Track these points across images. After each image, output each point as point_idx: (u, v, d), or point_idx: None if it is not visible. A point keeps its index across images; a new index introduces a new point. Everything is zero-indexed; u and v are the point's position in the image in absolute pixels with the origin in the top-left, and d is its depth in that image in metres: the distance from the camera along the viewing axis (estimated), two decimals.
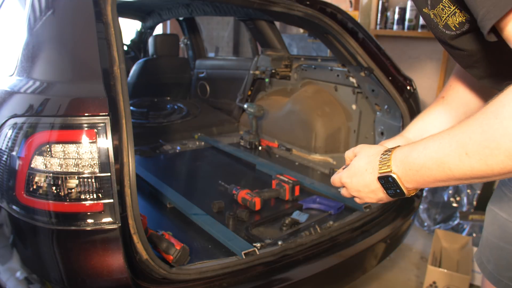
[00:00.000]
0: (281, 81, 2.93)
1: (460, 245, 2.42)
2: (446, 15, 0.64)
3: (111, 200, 1.06)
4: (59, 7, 1.24)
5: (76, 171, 1.04)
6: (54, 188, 1.04)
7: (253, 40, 3.28)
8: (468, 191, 2.74)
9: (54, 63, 1.20)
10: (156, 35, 3.56)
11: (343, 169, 0.88)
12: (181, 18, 3.71)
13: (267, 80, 2.92)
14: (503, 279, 0.90)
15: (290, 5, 1.88)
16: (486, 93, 0.92)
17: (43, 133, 1.05)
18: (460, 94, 0.94)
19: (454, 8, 0.62)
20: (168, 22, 6.27)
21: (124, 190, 1.07)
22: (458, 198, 2.79)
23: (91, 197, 1.05)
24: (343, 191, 0.85)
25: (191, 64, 3.78)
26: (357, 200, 0.84)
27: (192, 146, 2.73)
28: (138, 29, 4.08)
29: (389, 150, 0.72)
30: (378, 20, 3.64)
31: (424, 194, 2.83)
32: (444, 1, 0.63)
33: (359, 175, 0.78)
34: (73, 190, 1.04)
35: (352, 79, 2.29)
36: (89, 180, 1.04)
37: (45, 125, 1.06)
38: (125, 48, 4.06)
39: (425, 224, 2.88)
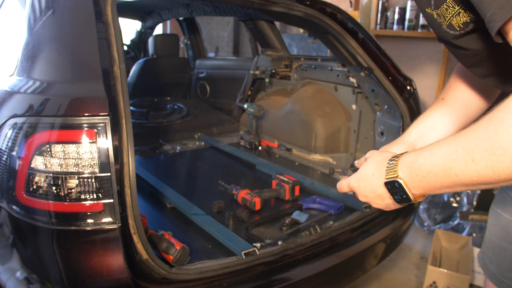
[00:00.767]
0: (281, 81, 2.93)
1: (460, 245, 2.42)
2: (450, 15, 0.64)
3: (111, 200, 1.06)
4: (59, 7, 1.24)
5: (76, 171, 1.04)
6: (54, 188, 1.04)
7: (253, 40, 3.28)
8: (468, 191, 2.74)
9: (54, 63, 1.20)
10: (156, 35, 3.56)
11: (348, 174, 0.89)
12: (181, 18, 3.71)
13: (267, 80, 2.92)
14: (505, 280, 0.90)
15: (290, 5, 1.88)
16: (487, 94, 0.92)
17: (43, 133, 1.05)
18: (460, 95, 0.94)
19: (458, 8, 0.62)
20: (168, 22, 6.27)
21: (124, 190, 1.07)
22: (458, 198, 2.79)
23: (91, 197, 1.05)
24: (356, 195, 0.86)
25: (191, 64, 3.78)
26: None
27: (192, 146, 2.73)
28: (138, 29, 4.08)
29: (397, 156, 0.72)
30: (378, 20, 3.65)
31: None
32: (448, 1, 0.63)
33: (367, 179, 0.78)
34: (73, 190, 1.04)
35: (352, 79, 2.29)
36: (89, 180, 1.04)
37: (45, 125, 1.06)
38: (125, 48, 4.06)
39: (425, 224, 2.88)
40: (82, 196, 1.05)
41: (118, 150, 1.06)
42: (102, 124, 1.04)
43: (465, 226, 2.65)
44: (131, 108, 3.04)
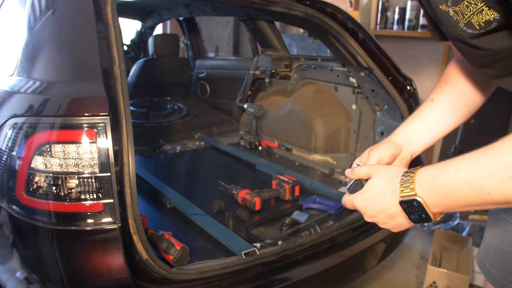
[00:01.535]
0: (281, 81, 2.93)
1: (460, 245, 2.42)
2: (471, 12, 0.60)
3: (111, 200, 1.06)
4: (59, 7, 1.24)
5: (76, 171, 1.04)
6: (54, 188, 1.04)
7: (253, 40, 3.28)
8: None
9: (54, 63, 1.20)
10: (156, 35, 3.57)
11: (348, 184, 0.83)
12: (181, 18, 3.71)
13: (267, 80, 2.92)
14: (507, 284, 0.89)
15: (290, 5, 1.88)
16: (477, 97, 0.91)
17: (43, 133, 1.05)
18: (450, 96, 0.92)
19: (481, 5, 0.59)
20: (168, 22, 6.27)
21: (124, 190, 1.07)
22: None
23: (91, 197, 1.05)
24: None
25: (191, 64, 3.78)
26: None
27: (192, 146, 2.73)
28: (138, 29, 4.08)
29: (411, 171, 0.67)
30: (378, 20, 3.64)
31: None
32: None
33: (376, 199, 0.71)
34: (73, 190, 1.04)
35: (352, 79, 2.29)
36: (89, 180, 1.04)
37: (45, 125, 1.06)
38: (125, 48, 4.06)
39: (425, 224, 2.88)
40: (82, 196, 1.05)
41: (118, 150, 1.06)
42: (102, 124, 1.04)
43: (465, 226, 2.65)
44: (131, 108, 3.04)
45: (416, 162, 1.98)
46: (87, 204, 1.05)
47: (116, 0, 1.21)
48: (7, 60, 1.36)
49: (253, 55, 3.28)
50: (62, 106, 1.06)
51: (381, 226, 0.75)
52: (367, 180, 0.76)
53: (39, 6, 1.28)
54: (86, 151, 1.04)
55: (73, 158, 1.04)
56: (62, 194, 1.04)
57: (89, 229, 1.05)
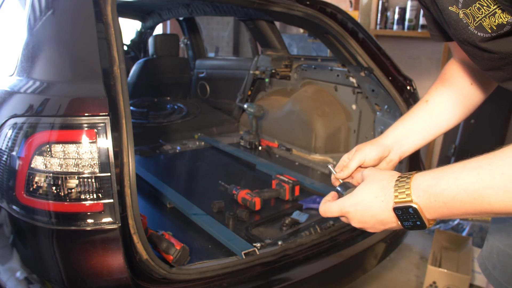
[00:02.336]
0: (281, 81, 2.93)
1: (460, 245, 2.42)
2: (483, 15, 0.57)
3: (111, 200, 1.06)
4: (59, 7, 1.24)
5: (76, 171, 1.04)
6: (54, 188, 1.04)
7: (253, 40, 3.28)
8: None
9: (54, 63, 1.20)
10: (156, 35, 3.57)
11: (339, 193, 0.79)
12: (181, 18, 3.71)
13: (267, 80, 2.92)
14: (510, 287, 0.88)
15: (290, 5, 1.88)
16: (471, 102, 0.89)
17: (43, 133, 1.05)
18: (445, 98, 0.89)
19: (494, 7, 0.56)
20: (168, 22, 6.27)
21: (124, 190, 1.07)
22: None
23: (91, 197, 1.05)
24: (343, 219, 0.74)
25: (191, 64, 3.78)
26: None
27: (192, 146, 2.73)
28: (138, 29, 4.08)
29: (406, 176, 0.64)
30: (378, 20, 3.64)
31: None
32: (483, 0, 0.57)
33: (367, 203, 0.67)
34: (73, 190, 1.04)
35: (352, 79, 2.29)
36: (89, 180, 1.04)
37: (45, 125, 1.06)
38: (125, 48, 4.06)
39: None
40: (82, 196, 1.05)
41: (118, 150, 1.06)
42: (102, 124, 1.04)
43: (465, 226, 2.65)
44: (131, 108, 3.04)
45: (416, 162, 1.98)
46: (87, 204, 1.05)
47: (116, 0, 1.21)
48: (7, 60, 1.36)
49: (253, 55, 3.28)
50: (62, 106, 1.06)
51: (370, 231, 0.71)
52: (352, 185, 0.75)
53: (39, 6, 1.28)
54: (86, 151, 1.04)
55: (73, 158, 1.04)
56: (62, 194, 1.04)
57: (89, 229, 1.05)
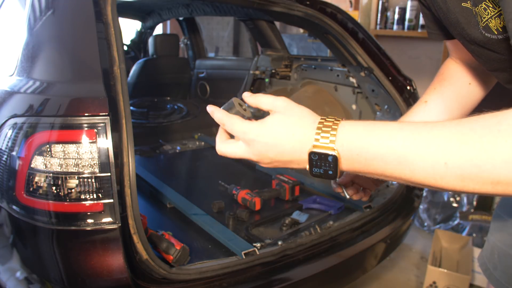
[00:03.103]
0: (281, 81, 2.92)
1: (460, 245, 2.42)
2: (489, 16, 0.55)
3: (111, 200, 1.06)
4: (59, 7, 1.24)
5: (76, 171, 1.04)
6: (54, 188, 1.04)
7: (253, 40, 3.28)
8: None
9: (54, 63, 1.20)
10: (156, 35, 3.56)
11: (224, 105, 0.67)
12: (181, 18, 3.71)
13: (267, 80, 2.92)
14: None
15: (290, 5, 1.88)
16: (471, 98, 0.88)
17: (43, 133, 1.05)
18: (444, 98, 0.87)
19: (500, 8, 0.53)
20: (168, 22, 6.27)
21: (124, 190, 1.07)
22: (458, 198, 2.79)
23: (91, 197, 1.05)
24: (229, 149, 0.64)
25: (191, 64, 3.78)
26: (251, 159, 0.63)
27: (192, 146, 2.73)
28: (138, 29, 4.08)
29: (333, 120, 0.57)
30: (378, 20, 3.64)
31: (424, 194, 2.83)
32: (487, 1, 0.54)
33: (280, 138, 0.58)
34: (73, 190, 1.04)
35: (352, 79, 2.29)
36: (89, 180, 1.04)
37: (45, 125, 1.06)
38: (125, 48, 4.06)
39: (425, 224, 2.88)
40: (82, 196, 1.05)
41: (118, 150, 1.06)
42: (102, 124, 1.04)
43: (465, 226, 2.65)
44: (131, 108, 3.04)
45: None
46: (87, 204, 1.05)
47: (116, 0, 1.21)
48: (7, 60, 1.36)
49: (253, 55, 3.28)
50: (62, 106, 1.06)
51: (262, 165, 0.63)
52: (258, 111, 0.64)
53: (39, 6, 1.28)
54: (86, 151, 1.04)
55: (73, 158, 1.04)
56: (62, 194, 1.04)
57: (89, 229, 1.05)
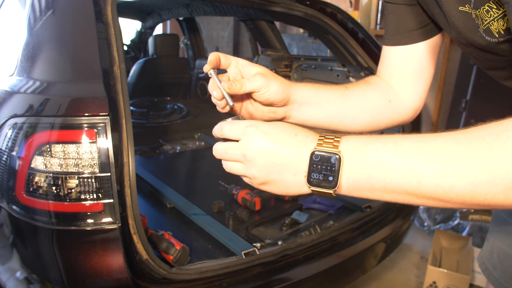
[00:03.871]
0: None
1: (460, 245, 2.42)
2: (491, 18, 0.54)
3: (111, 200, 1.06)
4: (59, 7, 1.24)
5: (76, 171, 1.04)
6: (54, 188, 1.04)
7: (253, 40, 3.28)
8: None
9: (54, 63, 1.20)
10: (156, 35, 3.57)
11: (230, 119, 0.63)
12: (181, 18, 3.71)
13: None
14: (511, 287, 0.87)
15: (290, 5, 1.88)
16: (387, 117, 0.85)
17: (43, 133, 1.05)
18: (362, 96, 0.82)
19: (504, 10, 0.52)
20: (168, 22, 6.27)
21: (124, 190, 1.07)
22: None
23: (91, 197, 1.05)
24: (228, 160, 0.60)
25: (191, 64, 3.78)
26: (240, 174, 0.60)
27: (192, 146, 2.73)
28: (138, 29, 4.08)
29: (335, 135, 0.55)
30: (378, 20, 3.65)
31: None
32: (491, 2, 0.53)
33: (281, 136, 0.56)
34: (73, 190, 1.04)
35: (352, 79, 2.29)
36: (89, 180, 1.04)
37: (45, 125, 1.06)
38: (125, 48, 4.06)
39: (425, 224, 2.88)
40: (82, 196, 1.05)
41: (118, 150, 1.06)
42: (102, 124, 1.04)
43: (465, 226, 2.65)
44: (131, 108, 3.04)
45: None
46: (87, 204, 1.05)
47: (116, 0, 1.21)
48: (7, 60, 1.36)
49: (253, 55, 3.28)
50: (62, 106, 1.06)
51: (253, 178, 0.58)
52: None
53: (39, 6, 1.28)
54: (86, 151, 1.04)
55: (73, 158, 1.04)
56: (62, 194, 1.04)
57: (89, 229, 1.05)
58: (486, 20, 0.55)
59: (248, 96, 0.74)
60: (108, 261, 1.06)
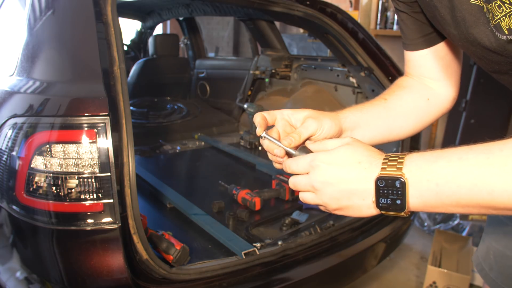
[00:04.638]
0: (281, 81, 2.93)
1: (460, 245, 2.42)
2: (503, 14, 0.53)
3: (111, 200, 1.06)
4: (59, 7, 1.24)
5: (76, 171, 1.04)
6: (54, 188, 1.04)
7: (253, 40, 3.28)
8: None
9: (54, 63, 1.20)
10: (156, 35, 3.57)
11: (297, 149, 0.65)
12: (181, 18, 3.72)
13: (267, 80, 2.93)
14: None
15: (290, 5, 1.88)
16: (430, 116, 0.85)
17: (43, 133, 1.05)
18: (403, 103, 0.83)
19: None
20: (168, 22, 6.27)
21: (124, 190, 1.07)
22: None
23: (91, 197, 1.05)
24: (300, 180, 0.62)
25: (191, 64, 3.78)
26: (313, 203, 0.62)
27: (192, 146, 2.73)
28: (138, 29, 4.08)
29: (399, 155, 0.56)
30: (378, 20, 3.64)
31: None
32: None
33: (345, 164, 0.57)
34: (73, 190, 1.04)
35: (352, 79, 2.29)
36: (89, 180, 1.04)
37: (45, 125, 1.06)
38: (125, 48, 4.06)
39: (425, 224, 2.88)
40: (82, 196, 1.05)
41: (118, 150, 1.06)
42: (102, 124, 1.04)
43: (465, 226, 2.65)
44: (131, 108, 3.04)
45: None
46: (87, 204, 1.05)
47: (116, 0, 1.21)
48: (7, 60, 1.36)
49: (253, 55, 3.28)
50: (62, 106, 1.06)
51: (326, 205, 0.60)
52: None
53: (39, 6, 1.28)
54: (86, 151, 1.04)
55: (73, 158, 1.04)
56: (62, 194, 1.04)
57: (89, 229, 1.05)
58: (497, 16, 0.54)
59: None
60: (108, 261, 1.06)
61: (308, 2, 1.97)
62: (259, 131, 0.71)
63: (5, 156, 1.12)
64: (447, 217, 2.80)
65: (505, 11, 0.52)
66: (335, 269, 1.51)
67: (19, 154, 1.08)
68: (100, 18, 1.15)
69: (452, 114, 3.11)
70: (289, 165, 0.64)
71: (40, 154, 1.05)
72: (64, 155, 1.04)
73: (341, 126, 0.75)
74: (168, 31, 6.38)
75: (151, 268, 1.13)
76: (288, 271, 1.40)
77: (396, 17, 3.49)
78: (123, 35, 1.20)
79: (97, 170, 1.04)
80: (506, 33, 0.54)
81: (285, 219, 1.64)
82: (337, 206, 0.59)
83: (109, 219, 1.06)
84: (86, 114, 1.04)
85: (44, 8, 1.27)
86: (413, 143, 1.98)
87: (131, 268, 1.09)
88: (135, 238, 1.09)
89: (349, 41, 1.98)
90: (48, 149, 1.04)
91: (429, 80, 0.85)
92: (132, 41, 4.13)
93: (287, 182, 1.88)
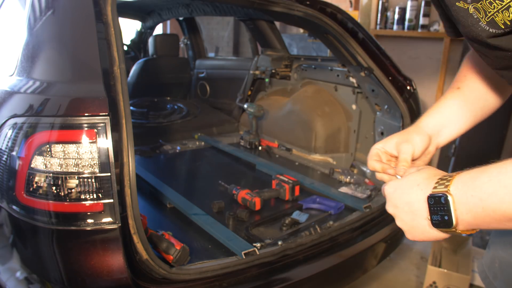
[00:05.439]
0: (281, 81, 2.93)
1: (460, 245, 2.42)
2: (495, 10, 0.54)
3: (111, 200, 1.06)
4: (59, 7, 1.24)
5: (76, 171, 1.04)
6: (54, 188, 1.04)
7: (253, 40, 3.28)
8: None
9: (54, 63, 1.20)
10: (156, 35, 3.57)
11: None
12: (181, 18, 3.72)
13: (267, 80, 2.93)
14: None
15: (290, 5, 1.88)
16: (503, 89, 0.86)
17: (43, 133, 1.05)
18: (477, 86, 0.85)
19: (508, 1, 0.53)
20: (168, 22, 6.27)
21: (124, 190, 1.07)
22: None
23: (91, 197, 1.05)
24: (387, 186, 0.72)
25: (191, 64, 3.78)
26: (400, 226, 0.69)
27: (192, 146, 2.73)
28: (138, 29, 4.08)
29: (452, 174, 0.60)
30: (378, 20, 3.65)
31: None
32: None
33: (407, 188, 0.65)
34: (73, 190, 1.04)
35: (352, 79, 2.29)
36: (89, 180, 1.04)
37: (45, 125, 1.06)
38: (125, 48, 4.06)
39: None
40: (82, 196, 1.05)
41: (118, 150, 1.06)
42: (102, 124, 1.04)
43: None
44: (131, 108, 3.04)
45: None
46: (87, 204, 1.05)
47: (116, 0, 1.21)
48: (7, 60, 1.36)
49: (253, 55, 3.28)
50: (62, 106, 1.06)
51: (398, 223, 0.68)
52: None
53: (39, 6, 1.28)
54: (86, 151, 1.04)
55: (73, 158, 1.04)
56: (62, 194, 1.04)
57: (89, 229, 1.05)
58: (490, 12, 0.55)
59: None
60: (108, 261, 1.06)
61: (308, 2, 1.96)
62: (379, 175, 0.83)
63: (5, 156, 1.12)
64: None
65: (497, 7, 0.54)
66: (335, 269, 1.51)
67: (19, 154, 1.08)
68: (100, 18, 1.15)
69: None
70: (382, 191, 0.73)
71: (40, 154, 1.05)
72: (64, 155, 1.04)
73: (427, 134, 0.82)
74: (168, 31, 6.38)
75: (151, 268, 1.13)
76: (288, 271, 1.40)
77: (396, 17, 3.50)
78: (123, 35, 1.20)
79: (97, 170, 1.04)
80: (502, 27, 0.55)
81: (285, 219, 1.64)
82: (407, 228, 0.66)
83: (109, 219, 1.06)
84: (86, 114, 1.04)
85: (44, 8, 1.27)
86: None
87: (131, 268, 1.09)
88: (135, 238, 1.09)
89: (349, 41, 1.98)
90: (48, 149, 1.04)
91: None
92: (132, 41, 4.13)
93: (287, 182, 1.89)
